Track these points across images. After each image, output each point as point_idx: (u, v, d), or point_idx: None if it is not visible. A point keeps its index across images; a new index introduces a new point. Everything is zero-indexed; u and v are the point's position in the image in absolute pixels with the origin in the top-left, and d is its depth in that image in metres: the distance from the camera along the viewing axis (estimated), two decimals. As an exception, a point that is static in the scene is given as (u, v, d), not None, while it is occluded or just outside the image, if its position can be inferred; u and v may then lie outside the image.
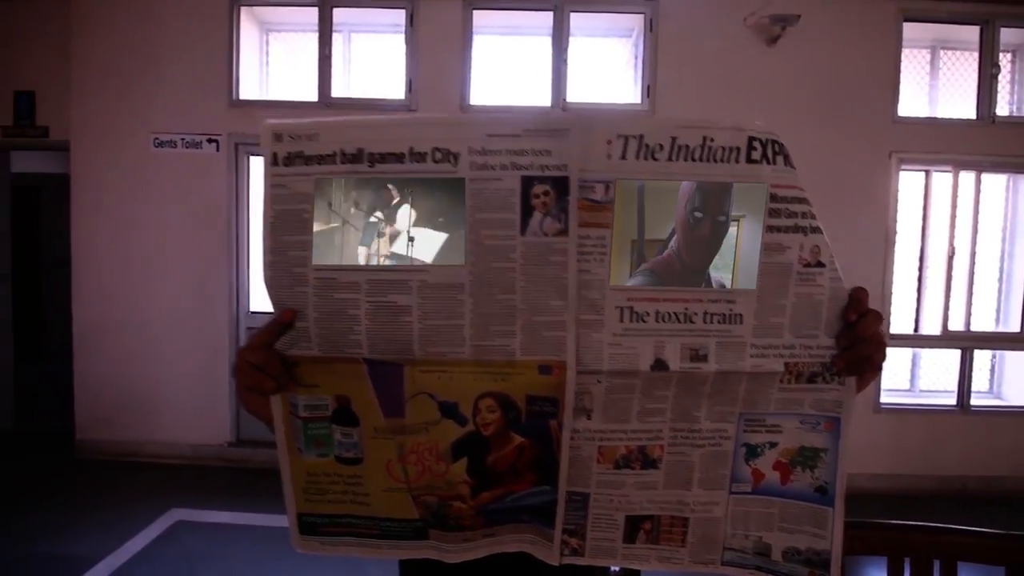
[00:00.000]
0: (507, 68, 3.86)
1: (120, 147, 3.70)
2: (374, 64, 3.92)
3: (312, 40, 3.73)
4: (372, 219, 0.58)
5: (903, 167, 3.62)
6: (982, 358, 3.80)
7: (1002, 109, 3.67)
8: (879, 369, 0.63)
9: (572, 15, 3.63)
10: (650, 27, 3.62)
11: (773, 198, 0.59)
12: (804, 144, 3.73)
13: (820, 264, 0.60)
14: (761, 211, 0.59)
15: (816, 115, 3.53)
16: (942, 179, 3.64)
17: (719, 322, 0.60)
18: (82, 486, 3.40)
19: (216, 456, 3.74)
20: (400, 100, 3.69)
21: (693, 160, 0.57)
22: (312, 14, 3.69)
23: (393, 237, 0.58)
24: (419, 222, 0.58)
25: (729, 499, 0.65)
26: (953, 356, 3.71)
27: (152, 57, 3.66)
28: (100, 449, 3.74)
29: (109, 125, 3.69)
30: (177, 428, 3.75)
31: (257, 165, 3.82)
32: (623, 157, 0.57)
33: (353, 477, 0.65)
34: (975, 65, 3.67)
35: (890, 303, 3.63)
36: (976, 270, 3.65)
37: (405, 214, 0.58)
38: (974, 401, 3.69)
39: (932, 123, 3.67)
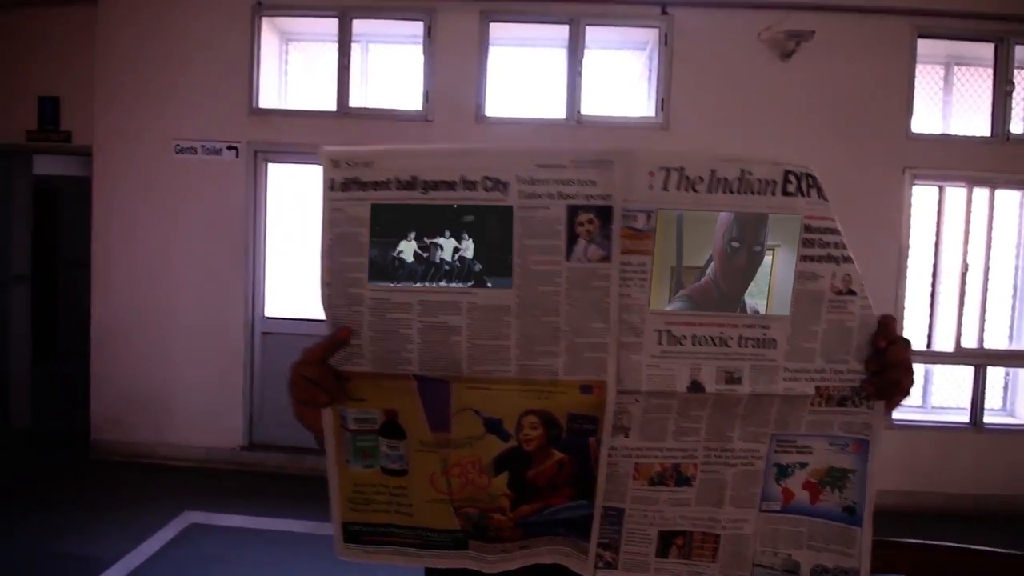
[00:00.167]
0: (522, 79, 3.91)
1: (141, 153, 3.77)
2: (391, 74, 3.98)
3: (330, 49, 3.80)
4: (424, 243, 0.61)
5: (916, 182, 3.63)
6: (995, 375, 3.78)
7: (1016, 127, 3.68)
8: (907, 394, 0.65)
9: (588, 28, 3.68)
10: (665, 41, 3.65)
11: (807, 229, 0.61)
12: (817, 159, 3.75)
13: (851, 292, 0.63)
14: (795, 241, 0.61)
15: (830, 130, 3.55)
16: (955, 194, 3.64)
17: (753, 346, 0.63)
18: (97, 486, 3.45)
19: (228, 460, 3.78)
20: (417, 110, 3.74)
21: (731, 192, 0.60)
22: (330, 24, 3.76)
23: (444, 260, 0.61)
24: (469, 247, 0.61)
25: (759, 517, 0.67)
26: (966, 373, 3.70)
27: (175, 66, 3.74)
28: (114, 450, 3.79)
29: (131, 131, 3.77)
30: (190, 431, 3.80)
31: (275, 172, 3.88)
32: (664, 188, 0.60)
33: (398, 488, 0.67)
34: (989, 82, 3.68)
35: (903, 319, 3.63)
36: (990, 287, 3.64)
37: (455, 239, 0.61)
38: (987, 419, 3.68)
39: (946, 139, 3.68)
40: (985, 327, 3.64)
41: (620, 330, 0.61)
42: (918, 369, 3.82)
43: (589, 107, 3.72)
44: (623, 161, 0.59)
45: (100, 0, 3.75)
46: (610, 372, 0.62)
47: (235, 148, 3.74)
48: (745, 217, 0.60)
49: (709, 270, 0.61)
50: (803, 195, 0.61)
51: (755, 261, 0.61)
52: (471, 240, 0.60)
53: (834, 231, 0.62)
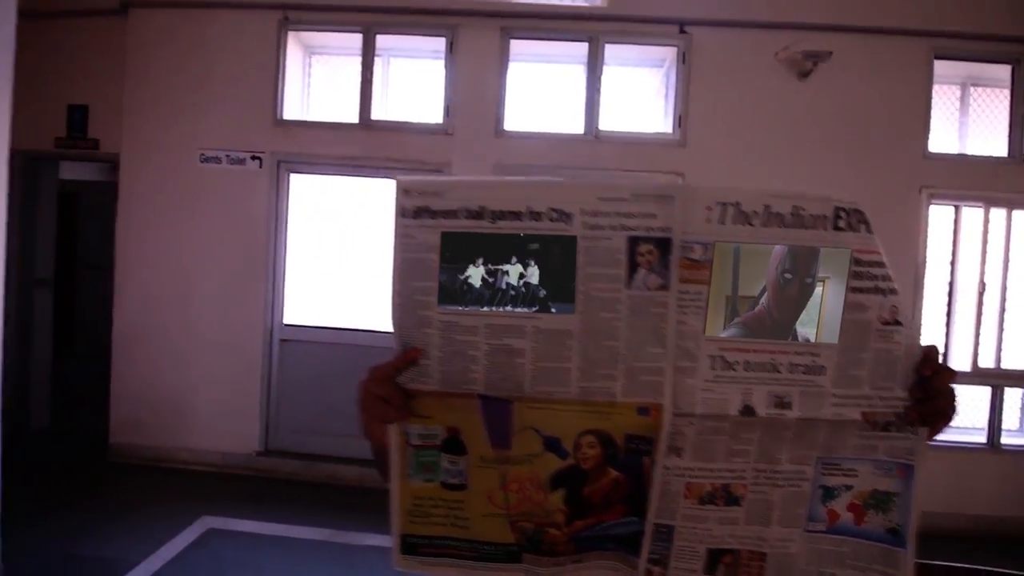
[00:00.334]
0: (542, 95, 3.96)
1: (167, 161, 3.85)
2: (413, 88, 4.05)
3: (353, 63, 3.87)
4: (491, 269, 0.64)
5: (933, 202, 3.64)
6: (1012, 396, 3.76)
7: (1034, 148, 3.69)
8: (950, 421, 0.68)
9: (607, 46, 3.73)
10: (683, 59, 3.70)
11: (856, 262, 0.64)
12: (834, 177, 3.73)
13: (897, 323, 0.66)
14: (845, 273, 0.64)
15: (846, 149, 3.57)
16: (972, 214, 3.65)
17: (803, 372, 0.65)
18: (115, 489, 3.49)
19: (244, 465, 3.82)
20: (437, 124, 3.80)
21: (784, 226, 0.63)
22: (354, 39, 3.84)
23: (510, 286, 0.64)
24: (534, 273, 0.64)
25: (804, 537, 0.70)
26: (983, 393, 3.68)
27: (201, 77, 3.83)
28: (132, 453, 3.84)
29: (158, 140, 3.85)
30: (208, 436, 3.84)
31: (296, 182, 3.94)
32: (721, 222, 0.63)
33: (456, 502, 0.70)
34: (1006, 103, 3.70)
35: (919, 338, 3.62)
36: (1007, 307, 3.63)
37: (521, 265, 0.64)
38: (1004, 440, 3.65)
39: (962, 159, 3.70)
40: (1003, 347, 3.63)
41: (676, 355, 0.64)
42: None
43: (607, 123, 3.76)
44: (683, 196, 0.63)
45: (130, 12, 3.86)
46: (667, 395, 0.64)
47: (259, 158, 3.82)
48: (798, 250, 0.63)
49: (763, 300, 0.64)
50: (853, 230, 0.64)
51: (806, 292, 0.64)
52: (536, 267, 0.64)
53: (881, 264, 0.65)
